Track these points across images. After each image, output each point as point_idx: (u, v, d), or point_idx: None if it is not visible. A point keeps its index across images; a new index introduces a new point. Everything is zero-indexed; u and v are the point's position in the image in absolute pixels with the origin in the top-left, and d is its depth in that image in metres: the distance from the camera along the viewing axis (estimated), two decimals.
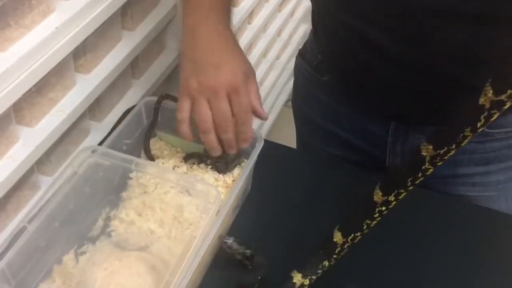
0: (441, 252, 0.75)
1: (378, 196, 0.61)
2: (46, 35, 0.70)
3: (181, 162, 0.80)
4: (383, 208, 0.62)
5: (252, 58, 1.59)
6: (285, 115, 2.11)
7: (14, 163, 0.71)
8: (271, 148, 0.75)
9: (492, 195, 0.86)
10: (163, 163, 0.80)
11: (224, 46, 0.69)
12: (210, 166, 0.79)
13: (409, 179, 0.58)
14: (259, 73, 1.69)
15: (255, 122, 2.01)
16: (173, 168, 0.79)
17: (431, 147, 0.55)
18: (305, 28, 2.03)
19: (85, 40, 0.78)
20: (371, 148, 0.88)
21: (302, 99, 0.97)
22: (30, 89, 0.70)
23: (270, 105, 1.88)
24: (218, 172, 0.78)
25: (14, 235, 0.60)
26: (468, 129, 0.52)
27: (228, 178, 0.77)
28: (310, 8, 0.85)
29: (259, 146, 0.73)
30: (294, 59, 2.02)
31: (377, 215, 0.62)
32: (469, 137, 0.53)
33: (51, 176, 0.85)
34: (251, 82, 0.69)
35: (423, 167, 0.56)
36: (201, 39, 0.69)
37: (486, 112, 0.50)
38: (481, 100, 0.50)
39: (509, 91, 0.48)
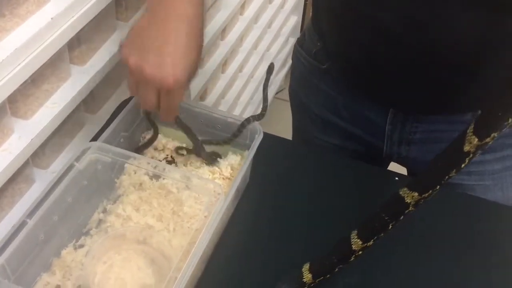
0: (435, 241, 0.75)
1: (357, 244, 0.60)
2: (41, 25, 0.69)
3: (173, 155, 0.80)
4: (360, 253, 0.61)
5: (244, 50, 1.58)
6: (276, 106, 2.10)
7: (10, 155, 0.70)
8: (267, 140, 0.75)
9: (488, 184, 0.86)
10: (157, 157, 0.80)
11: (183, 35, 0.64)
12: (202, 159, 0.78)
13: (391, 224, 0.58)
14: (249, 65, 1.68)
15: (247, 114, 1.98)
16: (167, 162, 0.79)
17: (416, 194, 0.55)
18: (296, 19, 2.03)
19: (80, 31, 0.76)
20: (369, 137, 0.88)
21: (300, 88, 0.96)
22: (25, 81, 0.69)
23: (261, 96, 1.87)
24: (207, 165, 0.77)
25: (15, 230, 0.59)
26: (453, 171, 0.53)
27: (225, 170, 0.76)
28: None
29: (258, 139, 0.73)
30: (284, 51, 2.01)
31: (352, 259, 0.62)
32: (453, 176, 0.53)
33: (46, 169, 0.84)
34: (181, 87, 0.67)
35: (406, 211, 0.56)
36: (162, 17, 0.64)
37: (471, 155, 0.51)
38: (466, 148, 0.50)
39: (492, 134, 0.49)
